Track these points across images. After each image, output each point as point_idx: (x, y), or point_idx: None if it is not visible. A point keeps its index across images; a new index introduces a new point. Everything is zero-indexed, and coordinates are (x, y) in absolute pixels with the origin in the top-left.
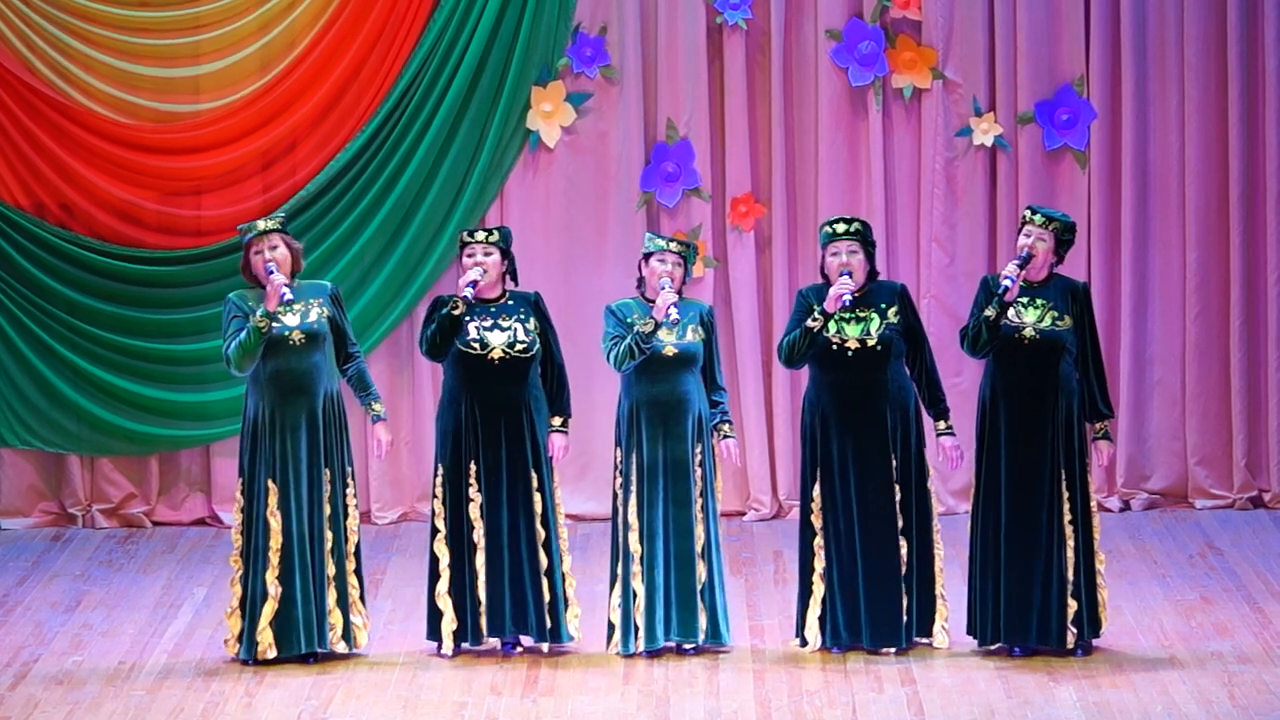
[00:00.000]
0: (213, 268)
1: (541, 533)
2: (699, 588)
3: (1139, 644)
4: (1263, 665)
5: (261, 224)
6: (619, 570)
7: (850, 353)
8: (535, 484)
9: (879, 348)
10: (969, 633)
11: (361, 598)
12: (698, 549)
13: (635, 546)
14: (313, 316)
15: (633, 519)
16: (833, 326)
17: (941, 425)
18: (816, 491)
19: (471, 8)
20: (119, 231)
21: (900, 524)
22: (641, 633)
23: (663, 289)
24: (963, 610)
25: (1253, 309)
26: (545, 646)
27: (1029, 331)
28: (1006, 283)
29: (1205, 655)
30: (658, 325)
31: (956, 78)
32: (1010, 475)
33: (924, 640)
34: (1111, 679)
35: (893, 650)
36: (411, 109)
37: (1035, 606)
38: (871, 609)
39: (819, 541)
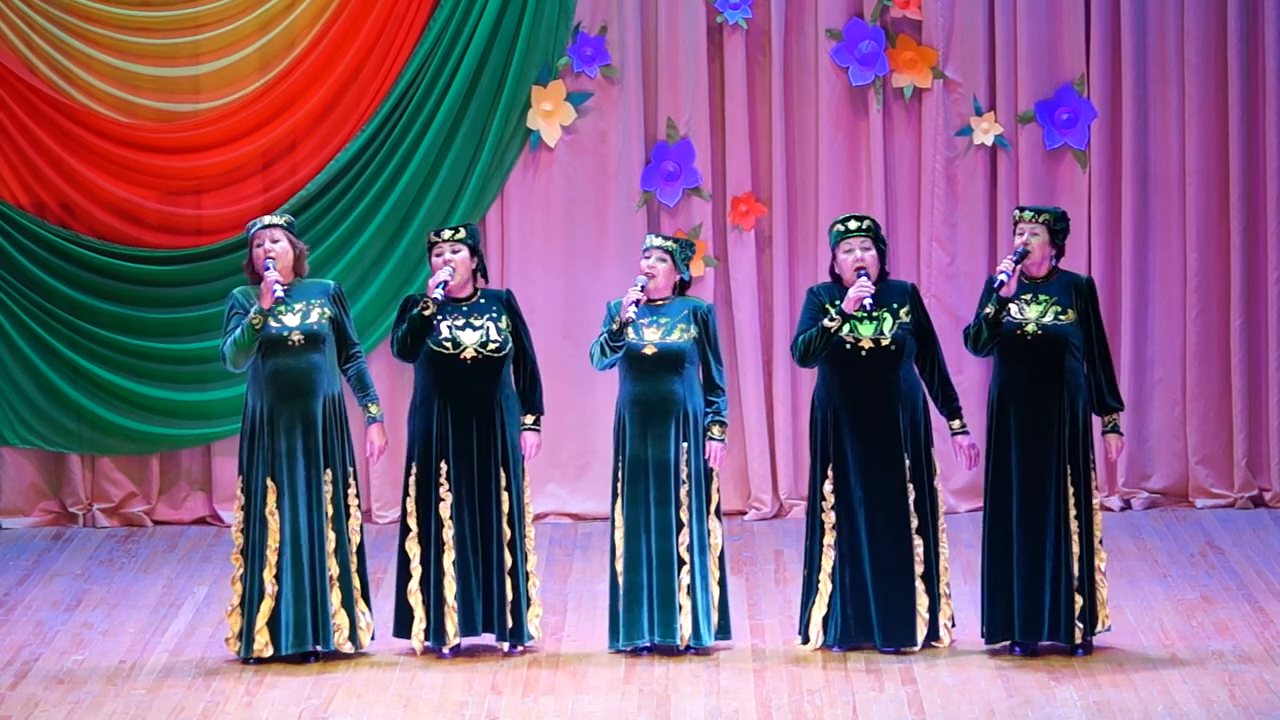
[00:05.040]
0: (213, 267)
1: (508, 532)
2: (683, 588)
3: (1139, 643)
4: (1263, 665)
5: (267, 218)
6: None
7: (864, 352)
8: (504, 483)
9: (893, 347)
10: (982, 634)
11: (365, 597)
12: (680, 549)
13: (619, 544)
14: (313, 317)
15: (619, 518)
16: (846, 326)
17: (956, 424)
18: (828, 489)
19: (471, 8)
20: (120, 231)
21: (915, 523)
22: (621, 629)
23: (632, 286)
24: (963, 609)
25: (1253, 309)
26: (505, 646)
27: (1031, 327)
28: (1002, 277)
29: (1206, 655)
30: (623, 324)
31: (957, 77)
32: (1020, 472)
33: (934, 641)
34: (1112, 678)
35: (915, 649)
36: (411, 109)
37: (1046, 603)
38: (882, 610)
39: (829, 540)
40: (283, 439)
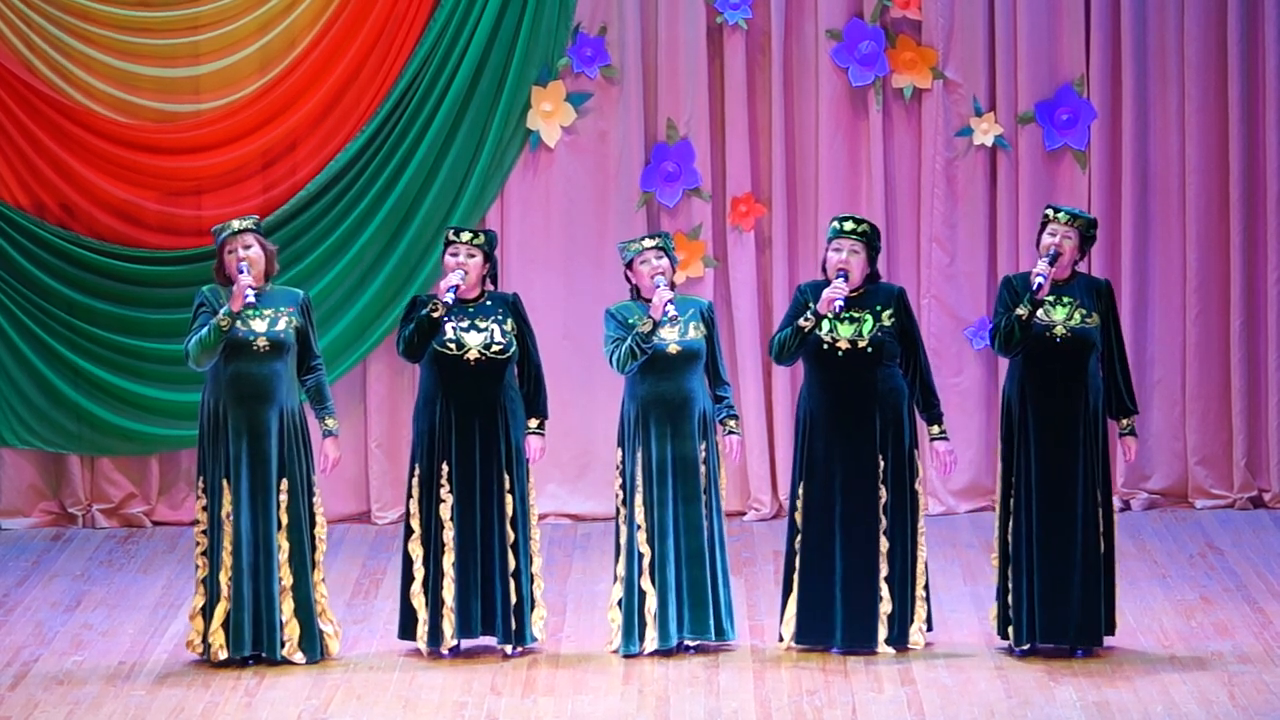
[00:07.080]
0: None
1: (510, 534)
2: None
3: (1139, 644)
4: (1263, 665)
5: (236, 224)
6: (620, 571)
7: (840, 353)
8: (508, 485)
9: (869, 350)
10: (999, 634)
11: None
12: (706, 545)
13: (644, 547)
14: (281, 325)
15: (640, 519)
16: (826, 325)
17: (935, 430)
18: (801, 489)
19: (471, 8)
20: (119, 231)
21: (884, 525)
22: (654, 633)
23: (658, 287)
24: (963, 609)
25: (1253, 309)
26: (508, 649)
27: (1060, 330)
28: (1039, 280)
29: (1205, 655)
30: (656, 324)
31: (956, 78)
32: (1042, 474)
33: (902, 645)
34: (1111, 679)
35: (875, 651)
36: (411, 109)
37: (1074, 605)
38: (847, 610)
39: (800, 540)
40: (234, 443)
